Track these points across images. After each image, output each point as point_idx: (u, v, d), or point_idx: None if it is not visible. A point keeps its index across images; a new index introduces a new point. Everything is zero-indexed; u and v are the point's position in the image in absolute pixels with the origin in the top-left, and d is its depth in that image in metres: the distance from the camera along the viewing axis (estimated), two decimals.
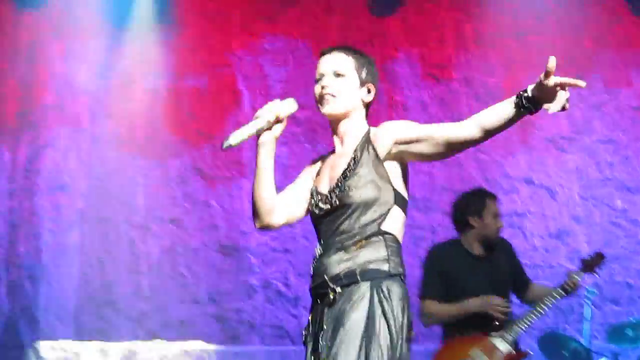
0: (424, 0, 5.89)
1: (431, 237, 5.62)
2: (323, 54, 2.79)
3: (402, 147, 2.59)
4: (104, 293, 5.66)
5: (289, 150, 5.70)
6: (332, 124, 2.79)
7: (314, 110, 5.30)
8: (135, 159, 5.71)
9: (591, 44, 5.86)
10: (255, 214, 2.70)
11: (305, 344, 2.55)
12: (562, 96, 2.39)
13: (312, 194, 2.72)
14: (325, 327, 2.48)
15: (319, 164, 2.86)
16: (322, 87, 2.73)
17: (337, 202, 2.58)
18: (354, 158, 2.65)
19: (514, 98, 2.51)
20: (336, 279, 2.50)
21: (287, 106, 2.70)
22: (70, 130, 5.72)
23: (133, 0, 5.68)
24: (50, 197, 5.65)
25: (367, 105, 2.81)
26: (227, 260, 5.70)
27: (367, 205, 2.58)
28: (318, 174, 2.80)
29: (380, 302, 2.45)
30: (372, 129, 2.72)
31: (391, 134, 2.64)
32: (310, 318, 2.57)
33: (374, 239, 2.56)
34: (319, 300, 2.54)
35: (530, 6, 5.87)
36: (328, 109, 2.74)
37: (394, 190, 2.61)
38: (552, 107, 2.44)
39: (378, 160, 2.62)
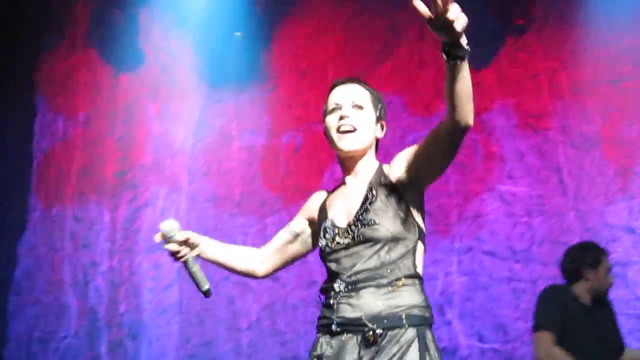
0: (518, 50, 7.21)
1: (531, 288, 6.81)
2: (336, 85, 3.29)
3: (415, 166, 3.12)
4: (204, 351, 7.04)
5: None
6: (345, 160, 3.24)
7: None
8: (233, 216, 7.16)
9: None
10: (247, 277, 3.49)
11: None
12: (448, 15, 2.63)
13: (325, 229, 3.16)
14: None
15: (320, 200, 3.34)
16: (342, 118, 3.18)
17: (362, 237, 3.04)
18: (371, 190, 3.11)
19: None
20: (377, 319, 2.95)
21: (167, 227, 3.19)
22: (168, 189, 7.23)
23: (228, 59, 7.13)
24: (149, 256, 7.13)
25: (377, 143, 3.34)
26: None
27: (395, 240, 3.04)
28: (323, 208, 3.26)
29: (428, 350, 2.92)
30: (384, 165, 3.24)
31: (401, 158, 3.18)
32: (324, 348, 3.06)
33: (410, 281, 3.03)
34: (340, 334, 3.00)
35: (626, 53, 6.93)
36: (349, 144, 3.18)
37: (416, 223, 3.13)
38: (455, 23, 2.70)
39: (397, 193, 3.10)
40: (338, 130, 3.18)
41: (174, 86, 7.28)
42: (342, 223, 3.12)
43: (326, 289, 3.14)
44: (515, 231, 6.97)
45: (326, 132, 3.27)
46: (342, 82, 3.31)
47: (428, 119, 7.16)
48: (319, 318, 3.16)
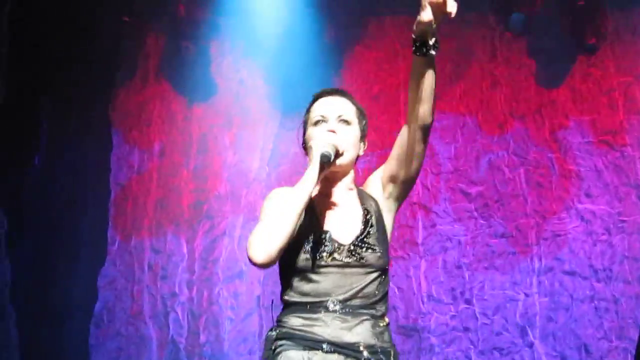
0: (590, 67, 7.21)
1: (614, 307, 6.82)
2: (322, 95, 3.23)
3: (392, 184, 3.15)
4: None
5: (464, 227, 7.09)
6: (329, 174, 3.12)
7: (487, 185, 6.79)
8: None
9: None
10: (273, 248, 2.89)
11: None
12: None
13: (322, 240, 3.04)
14: None
15: None
16: (332, 131, 3.10)
17: (365, 261, 3.02)
18: (368, 213, 3.13)
19: (414, 56, 2.95)
20: (372, 350, 2.98)
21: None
22: (245, 218, 7.28)
23: (299, 86, 7.17)
24: (228, 285, 7.18)
25: (357, 159, 3.23)
26: (407, 342, 7.05)
27: (385, 271, 3.13)
28: (312, 215, 3.08)
29: None
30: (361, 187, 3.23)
31: (376, 182, 3.20)
32: None
33: (387, 318, 3.13)
34: (330, 353, 2.95)
35: None
36: (339, 160, 3.09)
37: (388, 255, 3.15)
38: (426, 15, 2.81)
39: (382, 219, 3.17)
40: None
41: (247, 115, 7.35)
42: (343, 240, 3.06)
43: (314, 304, 3.00)
44: (595, 249, 6.93)
45: (306, 143, 3.19)
46: (329, 93, 3.25)
47: (502, 137, 7.14)
48: (292, 329, 3.02)
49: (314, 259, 3.01)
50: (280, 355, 2.99)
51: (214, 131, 7.43)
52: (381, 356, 3.00)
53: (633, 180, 6.97)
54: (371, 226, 3.12)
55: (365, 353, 2.97)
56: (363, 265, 3.04)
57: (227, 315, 7.14)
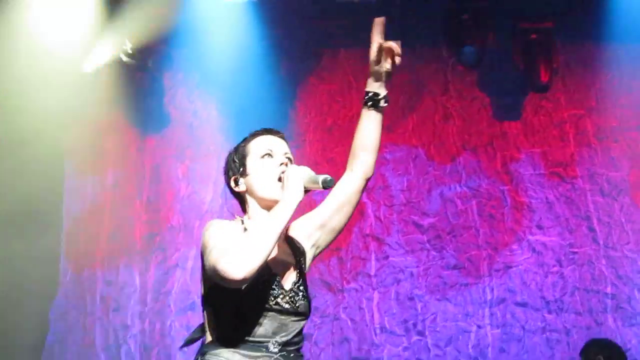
0: (542, 99, 7.30)
1: (565, 338, 6.91)
2: (265, 132, 3.28)
3: (320, 230, 3.26)
4: None
5: (415, 259, 7.13)
6: (266, 208, 3.14)
7: (439, 217, 6.84)
8: None
9: None
10: (255, 264, 2.83)
11: None
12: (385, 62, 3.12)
13: (270, 282, 3.05)
14: None
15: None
16: (283, 164, 3.17)
17: (300, 309, 3.11)
18: (300, 260, 3.20)
19: (364, 108, 3.24)
20: None
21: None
22: (198, 249, 7.26)
23: (253, 118, 7.15)
24: (180, 317, 7.17)
25: None
26: None
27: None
28: None
29: None
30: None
31: (303, 224, 3.27)
32: None
33: None
34: None
35: None
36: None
37: None
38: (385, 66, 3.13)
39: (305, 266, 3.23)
40: (279, 179, 3.13)
41: (201, 146, 7.36)
42: (286, 285, 3.12)
43: (255, 344, 3.03)
44: (546, 281, 7.01)
45: (251, 174, 3.19)
46: (272, 133, 3.31)
47: (454, 169, 7.21)
48: None
49: (261, 300, 3.03)
50: None
51: (167, 163, 7.43)
52: None
53: (584, 211, 7.07)
54: (303, 273, 3.20)
55: None
56: (297, 313, 3.10)
57: (179, 347, 7.11)
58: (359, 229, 7.20)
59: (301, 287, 3.14)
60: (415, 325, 7.05)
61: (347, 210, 3.31)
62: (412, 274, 7.12)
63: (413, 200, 7.23)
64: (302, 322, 3.15)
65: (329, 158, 7.31)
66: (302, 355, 3.17)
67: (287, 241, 3.26)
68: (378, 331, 7.07)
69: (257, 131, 3.31)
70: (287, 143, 3.32)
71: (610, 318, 6.87)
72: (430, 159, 7.25)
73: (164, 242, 7.36)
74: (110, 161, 7.51)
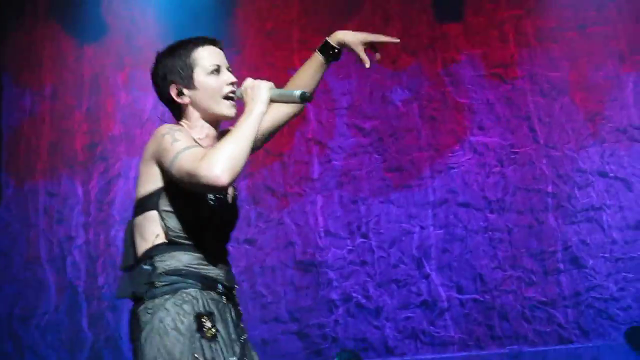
0: (483, 0, 7.37)
1: (507, 238, 7.06)
2: (207, 42, 3.27)
3: None
4: None
5: (358, 162, 7.22)
6: (213, 123, 3.22)
7: (381, 120, 6.95)
8: None
9: None
10: (237, 170, 2.92)
11: (211, 336, 3.03)
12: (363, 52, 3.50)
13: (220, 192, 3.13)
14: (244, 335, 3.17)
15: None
16: (232, 84, 3.21)
17: (234, 222, 3.26)
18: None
19: (316, 52, 3.52)
20: (236, 294, 3.22)
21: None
22: (140, 158, 7.28)
23: (192, 25, 7.17)
24: (125, 227, 7.19)
25: None
26: (306, 277, 7.20)
27: None
28: None
29: None
30: None
31: None
32: (214, 312, 3.04)
33: None
34: (228, 303, 3.11)
35: None
36: (234, 112, 3.21)
37: None
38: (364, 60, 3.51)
39: None
40: (226, 97, 3.20)
41: (139, 55, 7.31)
42: (229, 195, 3.26)
43: (204, 247, 3.14)
44: (488, 181, 7.12)
45: (200, 89, 3.21)
46: (214, 44, 3.30)
47: (395, 72, 7.26)
48: (186, 266, 3.10)
49: (215, 208, 3.13)
50: (178, 292, 3.04)
51: (105, 72, 7.42)
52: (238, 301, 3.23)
53: (524, 112, 7.16)
54: (236, 188, 3.35)
55: (236, 297, 3.19)
56: (230, 224, 3.25)
57: (122, 252, 7.17)
58: (301, 134, 7.27)
59: (235, 200, 3.28)
60: (359, 227, 7.16)
61: (264, 138, 3.45)
62: (354, 177, 7.21)
63: (354, 104, 7.30)
64: (230, 232, 3.27)
65: (270, 63, 7.34)
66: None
67: None
68: (322, 234, 7.18)
69: (199, 39, 3.29)
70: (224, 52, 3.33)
71: (551, 216, 7.00)
72: (371, 63, 7.27)
73: (105, 151, 7.39)
74: (48, 71, 7.48)
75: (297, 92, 3.14)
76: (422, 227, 7.11)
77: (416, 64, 7.27)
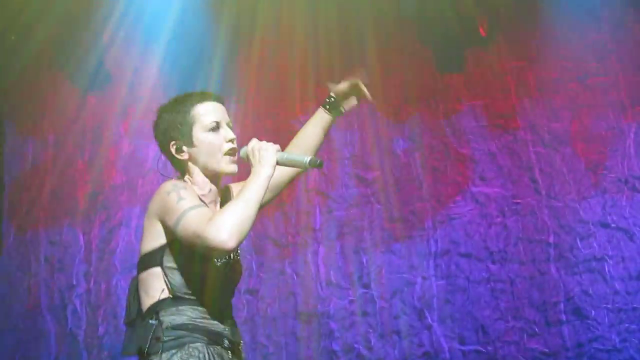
0: (484, 52, 7.38)
1: (509, 288, 7.04)
2: (206, 98, 3.35)
3: None
4: None
5: (360, 212, 7.23)
6: (215, 181, 3.32)
7: (382, 170, 6.94)
8: None
9: None
10: (244, 234, 2.99)
11: None
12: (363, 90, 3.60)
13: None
14: None
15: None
16: (232, 141, 3.29)
17: (237, 275, 3.33)
18: None
19: (321, 108, 3.66)
20: (243, 349, 3.31)
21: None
22: (141, 207, 7.31)
23: (198, 75, 7.21)
24: (126, 276, 7.19)
25: None
26: (307, 328, 7.18)
27: None
28: None
29: None
30: None
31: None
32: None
33: None
34: (229, 354, 3.19)
35: (590, 48, 7.13)
36: (236, 169, 3.32)
37: None
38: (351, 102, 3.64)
39: None
40: (229, 153, 3.28)
41: (142, 104, 7.35)
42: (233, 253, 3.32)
43: (208, 302, 3.21)
44: (490, 232, 7.12)
45: (199, 147, 3.28)
46: (215, 99, 3.38)
47: (398, 124, 7.29)
48: (192, 321, 3.17)
49: (221, 266, 3.20)
50: (184, 347, 3.08)
51: (108, 121, 7.45)
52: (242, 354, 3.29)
53: (526, 162, 7.16)
54: None
55: (242, 351, 3.27)
56: (234, 281, 3.34)
57: (125, 306, 7.15)
58: (303, 184, 7.28)
59: (238, 257, 3.34)
60: (360, 278, 7.16)
61: (271, 196, 3.54)
62: (356, 228, 7.22)
63: (356, 154, 7.32)
64: (234, 288, 3.37)
65: (273, 113, 7.37)
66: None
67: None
68: (324, 285, 7.17)
69: (200, 95, 3.37)
70: (225, 108, 3.40)
71: (553, 267, 7.00)
72: (373, 113, 7.31)
73: (107, 201, 7.40)
74: (50, 121, 7.51)
75: (307, 159, 3.20)
76: (424, 278, 7.10)
77: (418, 114, 7.29)
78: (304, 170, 3.57)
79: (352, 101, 3.72)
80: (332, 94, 3.65)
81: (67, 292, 7.34)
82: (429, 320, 7.04)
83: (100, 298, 7.29)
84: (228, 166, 3.25)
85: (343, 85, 3.64)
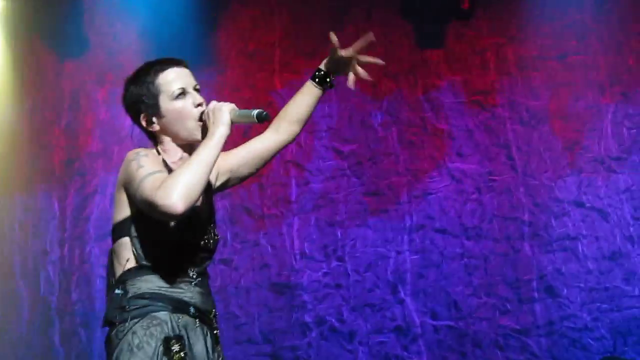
0: (463, 27, 7.40)
1: (483, 265, 7.09)
2: (170, 65, 3.26)
3: (225, 178, 3.41)
4: None
5: (336, 185, 7.24)
6: (185, 147, 3.24)
7: (359, 143, 6.96)
8: None
9: (634, 62, 7.17)
10: (193, 198, 2.90)
11: (183, 358, 3.06)
12: (355, 67, 3.50)
13: (191, 217, 3.06)
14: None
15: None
16: (200, 105, 3.19)
17: (212, 246, 3.26)
18: (209, 197, 3.30)
19: (310, 81, 3.53)
20: (217, 320, 3.27)
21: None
22: (116, 176, 7.28)
23: (174, 43, 7.17)
24: (100, 243, 7.20)
25: None
26: (280, 299, 7.21)
27: None
28: None
29: None
30: None
31: (222, 167, 3.39)
32: (184, 335, 3.09)
33: None
34: (202, 327, 3.16)
35: (571, 27, 7.18)
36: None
37: None
38: (349, 79, 3.54)
39: None
40: (199, 119, 3.19)
41: (121, 71, 7.24)
42: (204, 220, 3.25)
43: (175, 270, 3.14)
44: (465, 208, 7.15)
45: (168, 117, 3.22)
46: (177, 64, 3.29)
47: (376, 98, 7.29)
48: (156, 290, 3.13)
49: (182, 232, 3.11)
50: (148, 316, 3.07)
51: (86, 87, 7.42)
52: (217, 326, 3.27)
53: (503, 140, 7.20)
54: (213, 209, 3.35)
55: (214, 321, 3.23)
56: (209, 250, 3.25)
57: (98, 273, 7.16)
58: (280, 155, 7.04)
59: (215, 227, 3.28)
60: (335, 251, 7.18)
61: (258, 164, 3.53)
62: (332, 200, 7.23)
63: (334, 127, 7.32)
64: (210, 260, 3.29)
65: (251, 84, 7.36)
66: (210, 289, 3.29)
67: None
68: (298, 257, 7.19)
69: (160, 62, 3.29)
70: (190, 71, 3.31)
71: (527, 245, 7.05)
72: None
73: (83, 168, 7.38)
74: (27, 86, 7.47)
75: (255, 112, 3.13)
76: (398, 252, 7.13)
77: (396, 88, 7.30)
78: (290, 140, 3.61)
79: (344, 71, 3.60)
80: (321, 67, 3.56)
81: (40, 258, 7.34)
82: (402, 294, 7.08)
83: (74, 265, 7.29)
84: (198, 131, 3.18)
85: (338, 56, 3.55)
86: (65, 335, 7.25)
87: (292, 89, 7.37)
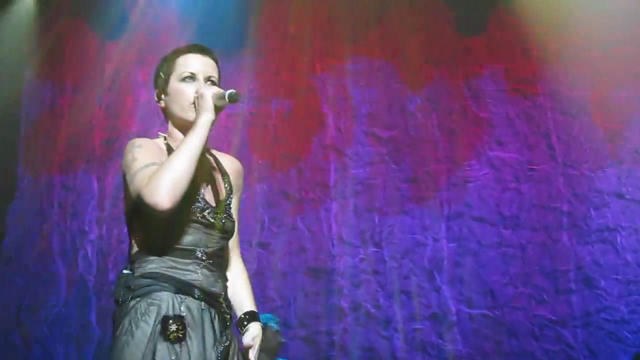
0: (508, 15, 7.37)
1: (520, 254, 7.08)
2: (193, 51, 3.24)
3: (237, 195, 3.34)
4: None
5: (374, 170, 7.25)
6: (184, 128, 3.18)
7: (399, 130, 6.95)
8: None
9: None
10: (178, 192, 2.91)
11: (174, 338, 2.99)
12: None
13: (194, 195, 3.09)
14: (232, 343, 3.13)
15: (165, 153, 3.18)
16: (197, 93, 3.12)
17: (225, 227, 3.20)
18: (229, 183, 3.30)
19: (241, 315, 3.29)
20: (227, 305, 3.19)
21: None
22: None
23: (214, 25, 7.22)
24: None
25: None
26: (316, 283, 7.24)
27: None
28: None
29: None
30: (225, 156, 3.39)
31: (241, 184, 3.38)
32: (186, 316, 3.03)
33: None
34: (210, 310, 3.10)
35: (615, 18, 7.13)
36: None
37: None
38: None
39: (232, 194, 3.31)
40: (193, 104, 3.15)
41: (161, 53, 7.31)
42: (211, 201, 3.22)
43: (184, 251, 3.11)
44: (504, 197, 7.13)
45: (171, 95, 3.24)
46: (202, 52, 3.27)
47: (417, 85, 7.29)
48: (161, 270, 3.09)
49: (186, 212, 3.10)
50: (149, 296, 3.06)
51: (127, 68, 7.48)
52: (229, 310, 3.20)
53: (543, 129, 7.16)
54: (230, 194, 3.31)
55: (224, 305, 3.17)
56: (222, 230, 3.20)
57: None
58: (319, 140, 7.30)
59: (228, 207, 3.26)
60: (372, 236, 7.19)
61: None
62: (370, 186, 7.24)
63: (374, 113, 7.33)
64: (225, 241, 3.25)
65: (291, 68, 7.38)
66: (225, 268, 3.29)
67: (214, 158, 3.35)
68: (335, 242, 7.21)
69: (187, 47, 3.29)
70: (217, 63, 3.29)
71: (565, 235, 7.02)
72: (392, 72, 7.32)
73: (122, 148, 7.37)
74: (69, 66, 7.54)
75: (227, 92, 3.08)
76: (435, 240, 7.13)
77: (438, 75, 7.28)
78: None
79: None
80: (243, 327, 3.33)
81: (79, 238, 7.41)
82: (438, 282, 7.08)
83: (112, 245, 7.35)
84: (189, 113, 3.15)
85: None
86: (102, 315, 7.31)
87: (332, 74, 7.50)
